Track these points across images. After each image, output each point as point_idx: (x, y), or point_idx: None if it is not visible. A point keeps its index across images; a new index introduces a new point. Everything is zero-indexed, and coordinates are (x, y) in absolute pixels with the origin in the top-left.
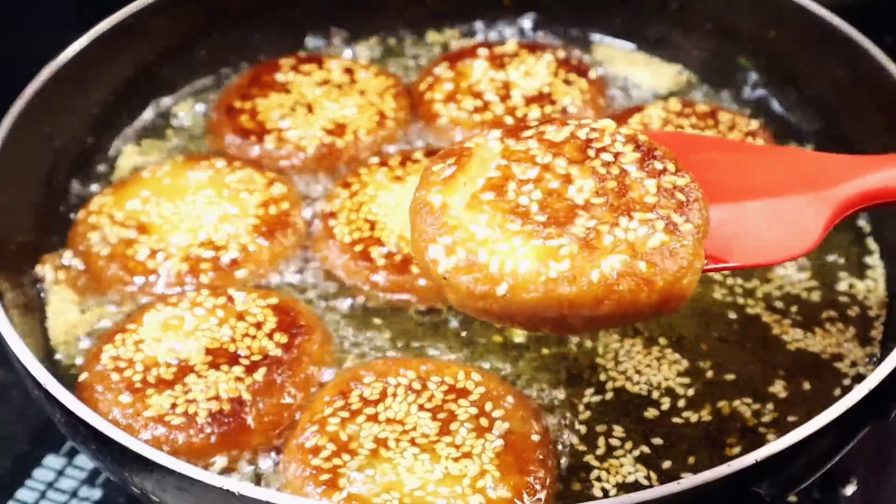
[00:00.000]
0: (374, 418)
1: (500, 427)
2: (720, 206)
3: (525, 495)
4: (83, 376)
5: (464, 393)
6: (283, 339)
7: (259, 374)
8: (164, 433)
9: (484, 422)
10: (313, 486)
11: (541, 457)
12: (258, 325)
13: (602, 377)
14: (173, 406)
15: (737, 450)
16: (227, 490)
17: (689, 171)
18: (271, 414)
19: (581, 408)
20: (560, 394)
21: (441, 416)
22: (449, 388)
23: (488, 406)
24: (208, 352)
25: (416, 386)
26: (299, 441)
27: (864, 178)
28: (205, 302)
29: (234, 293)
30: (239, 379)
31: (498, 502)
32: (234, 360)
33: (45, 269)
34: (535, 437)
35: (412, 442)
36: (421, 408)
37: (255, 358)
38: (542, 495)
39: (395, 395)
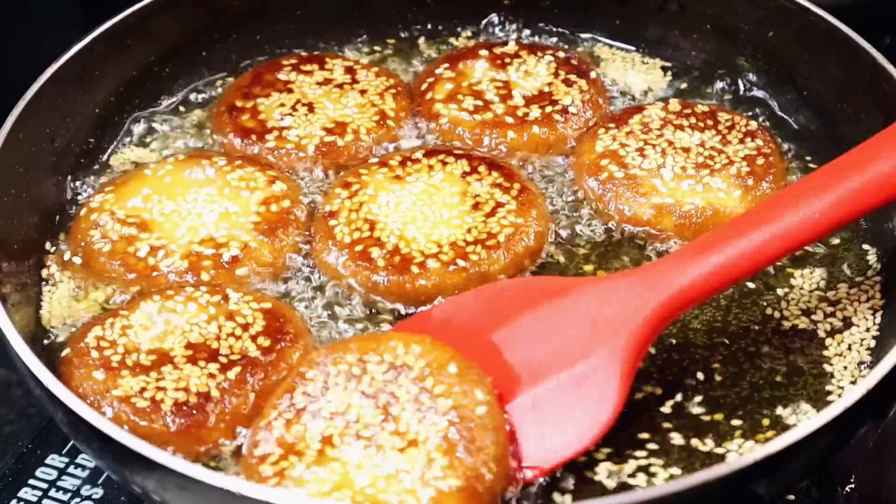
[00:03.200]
0: (317, 414)
1: (443, 405)
2: (517, 401)
3: (475, 481)
4: (65, 351)
5: (404, 369)
6: (266, 342)
7: (232, 373)
8: (127, 413)
9: (426, 400)
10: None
11: (489, 435)
12: (245, 327)
13: None
14: (142, 390)
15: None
16: (229, 490)
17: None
18: (235, 414)
19: None
20: None
21: (382, 400)
22: (388, 367)
23: (429, 382)
24: (190, 346)
25: (357, 371)
26: (249, 449)
27: (652, 299)
28: (200, 298)
29: (230, 293)
30: (212, 375)
31: (449, 494)
32: (213, 356)
33: (47, 269)
34: (482, 410)
35: (357, 435)
36: (363, 395)
37: (234, 357)
38: (494, 474)
39: (336, 384)
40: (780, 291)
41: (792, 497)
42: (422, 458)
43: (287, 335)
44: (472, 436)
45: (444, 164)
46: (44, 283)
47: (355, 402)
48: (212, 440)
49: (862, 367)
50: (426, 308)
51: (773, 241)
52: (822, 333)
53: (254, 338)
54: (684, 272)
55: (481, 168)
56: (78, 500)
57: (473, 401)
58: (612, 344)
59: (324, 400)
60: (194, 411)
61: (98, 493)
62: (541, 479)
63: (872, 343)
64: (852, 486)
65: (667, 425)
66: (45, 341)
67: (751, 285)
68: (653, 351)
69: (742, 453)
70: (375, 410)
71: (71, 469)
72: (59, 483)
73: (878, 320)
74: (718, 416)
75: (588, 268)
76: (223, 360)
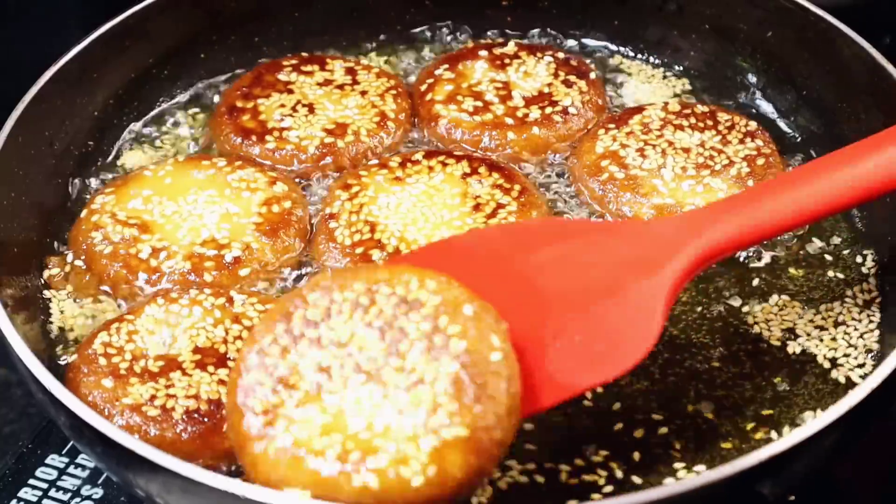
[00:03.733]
0: (317, 342)
1: (456, 346)
2: (555, 324)
3: (483, 433)
4: (72, 358)
5: (416, 305)
6: None
7: None
8: (139, 423)
9: (438, 340)
10: (252, 427)
11: (502, 384)
12: (252, 329)
13: None
14: (152, 398)
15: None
16: (233, 493)
17: (513, 285)
18: None
19: None
20: None
21: (390, 335)
22: (400, 300)
23: (443, 321)
24: (198, 350)
25: (364, 301)
26: (238, 375)
27: (693, 244)
28: (204, 301)
29: (234, 295)
30: (222, 382)
31: (453, 443)
32: (222, 361)
33: (48, 270)
34: (496, 357)
35: (358, 368)
36: (369, 325)
37: None
38: (504, 428)
39: (340, 312)
40: (780, 291)
41: (792, 497)
42: (427, 400)
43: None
44: (484, 382)
45: (445, 165)
46: (45, 285)
47: (359, 333)
48: (224, 447)
49: (863, 367)
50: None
51: (819, 197)
52: (822, 333)
53: None
54: (727, 221)
55: (482, 169)
56: (78, 500)
57: (489, 346)
58: (652, 278)
59: (324, 327)
60: (206, 419)
61: (98, 493)
62: (540, 479)
63: (875, 346)
64: (852, 486)
65: (664, 429)
66: (48, 344)
67: (746, 283)
68: (660, 355)
69: (744, 454)
70: (381, 344)
71: (71, 469)
72: (60, 483)
73: (877, 320)
74: (714, 416)
75: None
76: (232, 364)
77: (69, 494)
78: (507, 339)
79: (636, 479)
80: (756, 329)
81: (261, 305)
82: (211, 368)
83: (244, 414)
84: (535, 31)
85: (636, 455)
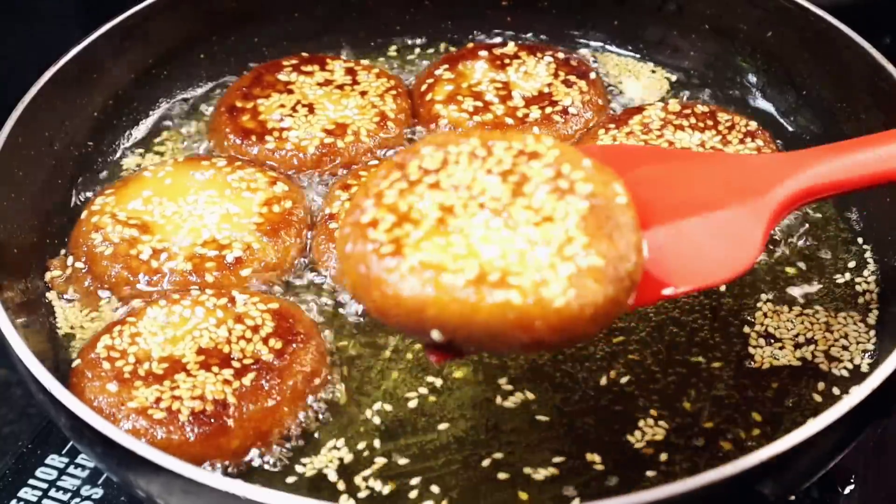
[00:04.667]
0: (436, 186)
1: (582, 188)
2: (659, 228)
3: (617, 262)
4: (76, 362)
5: (536, 155)
6: (278, 345)
7: (247, 379)
8: (145, 426)
9: (563, 184)
10: (376, 259)
11: (630, 222)
12: (255, 329)
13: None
14: (157, 400)
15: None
16: (234, 494)
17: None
18: (254, 419)
19: None
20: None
21: (513, 178)
22: (519, 152)
23: (566, 168)
24: (202, 351)
25: (481, 152)
26: (354, 217)
27: (795, 177)
28: (206, 301)
29: (236, 295)
30: (227, 382)
31: (589, 271)
32: (226, 361)
33: (49, 272)
34: (622, 200)
35: (482, 206)
36: (489, 172)
37: (247, 361)
38: (633, 261)
39: (457, 162)
40: (779, 291)
41: (792, 497)
42: (559, 233)
43: (298, 335)
44: (614, 220)
45: None
46: (46, 286)
47: (480, 178)
48: (231, 448)
49: (862, 367)
50: None
51: None
52: (821, 333)
53: (265, 340)
54: (829, 161)
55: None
56: (78, 500)
57: (613, 191)
58: (756, 201)
59: (443, 173)
60: (212, 419)
61: (98, 493)
62: (545, 474)
63: (874, 347)
64: (852, 486)
65: (664, 428)
66: (48, 345)
67: (748, 289)
68: (658, 353)
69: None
70: (505, 185)
71: (71, 469)
72: (59, 483)
73: (876, 321)
74: (715, 416)
75: None
76: (236, 364)
77: (69, 494)
78: (627, 190)
79: (636, 479)
80: (756, 329)
81: (263, 305)
82: (215, 369)
83: (367, 245)
84: (535, 31)
85: (636, 455)
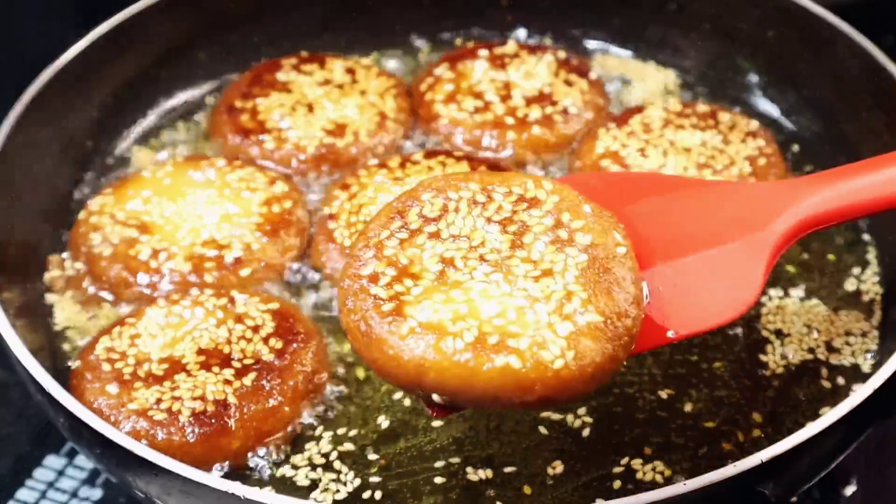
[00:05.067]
0: (436, 236)
1: (582, 239)
2: (659, 268)
3: (616, 319)
4: (76, 364)
5: (535, 203)
6: (278, 344)
7: (248, 379)
8: (145, 427)
9: (563, 233)
10: (377, 319)
11: (630, 275)
12: (255, 329)
13: None
14: (158, 401)
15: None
16: (233, 494)
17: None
18: (255, 420)
19: None
20: None
21: (512, 228)
22: (518, 198)
23: (566, 217)
24: (202, 352)
25: (481, 198)
26: (354, 270)
27: (795, 208)
28: (206, 302)
29: (236, 295)
30: (227, 382)
31: (587, 330)
32: (226, 362)
33: (48, 273)
34: (622, 251)
35: (482, 259)
36: (489, 221)
37: (248, 361)
38: (633, 317)
39: (457, 209)
40: (780, 290)
41: (794, 498)
42: (558, 288)
43: (298, 335)
44: (612, 272)
45: (444, 165)
46: (45, 287)
47: (480, 227)
48: (231, 449)
49: (864, 368)
50: None
51: None
52: (822, 333)
53: (265, 340)
54: (831, 190)
55: (481, 169)
56: (76, 501)
57: (613, 240)
58: (755, 235)
59: (443, 222)
60: (213, 420)
61: (96, 494)
62: (545, 476)
63: (875, 347)
64: (853, 487)
65: (665, 428)
66: (48, 346)
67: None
68: (658, 353)
69: (745, 454)
70: (504, 236)
71: (69, 470)
72: (58, 484)
73: (878, 321)
74: (715, 416)
75: None
76: (237, 364)
77: (67, 496)
78: (627, 236)
79: (637, 480)
80: (756, 329)
81: (263, 305)
82: (216, 369)
83: (367, 301)
84: (536, 30)
85: (636, 455)
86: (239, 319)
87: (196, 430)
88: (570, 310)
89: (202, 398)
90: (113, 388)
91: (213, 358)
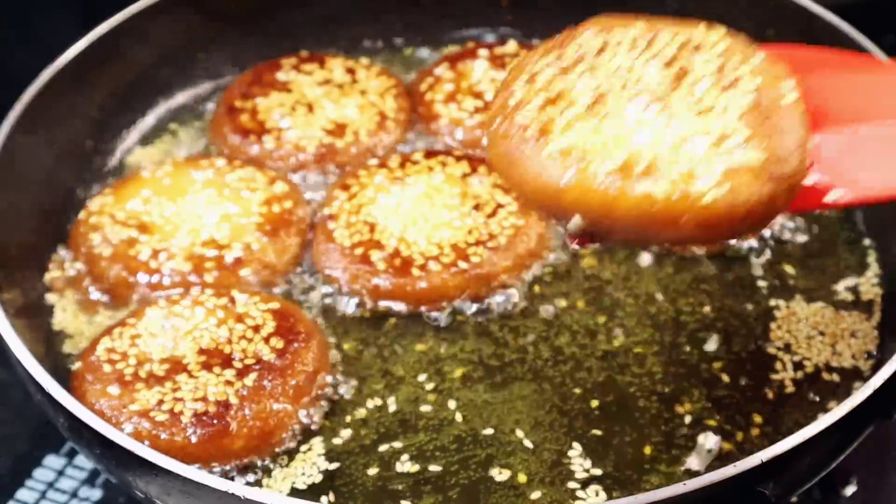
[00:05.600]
0: (592, 70)
1: (749, 80)
2: (830, 133)
3: (780, 161)
4: (77, 365)
5: (702, 47)
6: (279, 344)
7: (249, 380)
8: (148, 428)
9: (730, 75)
10: (520, 139)
11: (798, 121)
12: (256, 329)
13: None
14: (160, 402)
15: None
16: (233, 494)
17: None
18: (257, 419)
19: None
20: None
21: (674, 68)
22: (685, 42)
23: (735, 59)
24: (203, 352)
25: (643, 41)
26: (503, 98)
27: None
28: (206, 302)
29: (236, 295)
30: (229, 382)
31: (747, 167)
32: (227, 362)
33: (48, 273)
34: (793, 96)
35: (639, 94)
36: (650, 59)
37: (249, 361)
38: (798, 161)
39: (617, 48)
40: (780, 290)
41: (794, 498)
42: (719, 124)
43: (299, 335)
44: (780, 116)
45: (444, 165)
46: (46, 287)
47: (640, 65)
48: (233, 449)
49: (863, 368)
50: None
51: None
52: (822, 334)
53: (266, 339)
54: None
55: (481, 169)
56: (76, 501)
57: (784, 86)
58: None
59: (601, 59)
60: (215, 420)
61: (96, 494)
62: (544, 475)
63: (875, 347)
64: (854, 487)
65: (665, 429)
66: (48, 346)
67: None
68: (658, 353)
69: (745, 454)
70: (665, 73)
71: (69, 470)
72: (57, 484)
73: (877, 321)
74: (715, 416)
75: (589, 263)
76: (238, 364)
77: (67, 496)
78: (800, 84)
79: (637, 480)
80: (756, 329)
81: (263, 304)
82: (217, 370)
83: (513, 125)
84: (536, 30)
85: (637, 455)
86: (240, 319)
87: (198, 431)
88: (731, 144)
89: (204, 399)
90: (114, 389)
91: (214, 358)
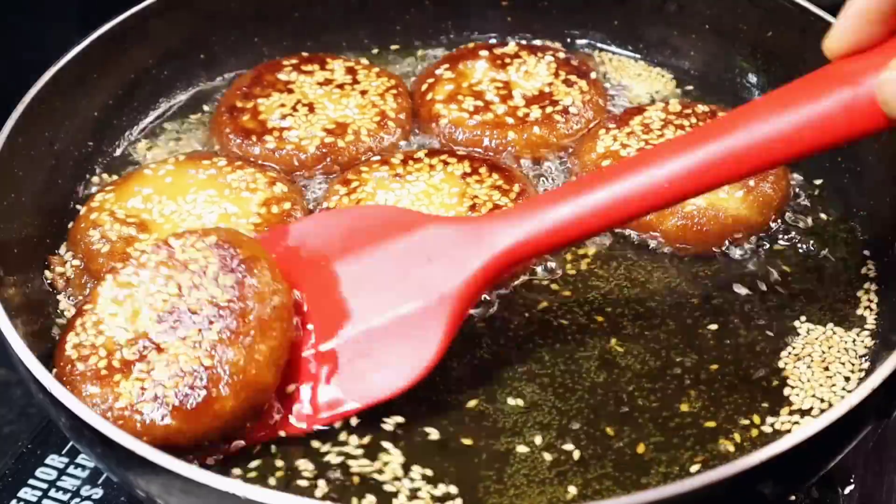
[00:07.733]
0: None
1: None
2: (336, 340)
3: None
4: (53, 372)
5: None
6: (227, 280)
7: (213, 333)
8: (140, 420)
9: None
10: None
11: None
12: (203, 272)
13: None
14: (142, 391)
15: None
16: (233, 493)
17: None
18: (237, 372)
19: None
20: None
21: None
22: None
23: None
24: (162, 319)
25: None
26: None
27: (475, 258)
28: (148, 262)
29: (172, 241)
30: (196, 344)
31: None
32: (187, 321)
33: (49, 271)
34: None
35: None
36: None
37: (206, 312)
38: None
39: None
40: (779, 291)
41: (792, 497)
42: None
43: (244, 261)
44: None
45: (446, 164)
46: (47, 285)
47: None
48: (228, 410)
49: (862, 368)
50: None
51: (610, 207)
52: (821, 334)
53: (214, 279)
54: (509, 233)
55: (482, 170)
56: (78, 500)
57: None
58: (441, 291)
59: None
60: (201, 391)
61: (98, 493)
62: (544, 475)
63: (874, 347)
64: (852, 486)
65: (664, 428)
66: (50, 344)
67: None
68: (662, 354)
69: (744, 454)
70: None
71: (71, 469)
72: (59, 483)
73: (875, 321)
74: (714, 416)
75: (586, 264)
76: (197, 319)
77: (69, 495)
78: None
79: (637, 480)
80: (755, 330)
81: (201, 242)
82: (181, 332)
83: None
84: (536, 31)
85: (636, 455)
86: (185, 266)
87: (188, 405)
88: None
89: (180, 373)
90: (94, 389)
91: (175, 322)
